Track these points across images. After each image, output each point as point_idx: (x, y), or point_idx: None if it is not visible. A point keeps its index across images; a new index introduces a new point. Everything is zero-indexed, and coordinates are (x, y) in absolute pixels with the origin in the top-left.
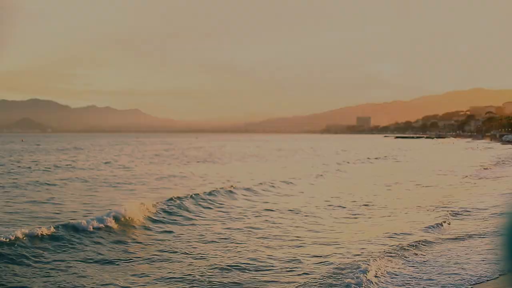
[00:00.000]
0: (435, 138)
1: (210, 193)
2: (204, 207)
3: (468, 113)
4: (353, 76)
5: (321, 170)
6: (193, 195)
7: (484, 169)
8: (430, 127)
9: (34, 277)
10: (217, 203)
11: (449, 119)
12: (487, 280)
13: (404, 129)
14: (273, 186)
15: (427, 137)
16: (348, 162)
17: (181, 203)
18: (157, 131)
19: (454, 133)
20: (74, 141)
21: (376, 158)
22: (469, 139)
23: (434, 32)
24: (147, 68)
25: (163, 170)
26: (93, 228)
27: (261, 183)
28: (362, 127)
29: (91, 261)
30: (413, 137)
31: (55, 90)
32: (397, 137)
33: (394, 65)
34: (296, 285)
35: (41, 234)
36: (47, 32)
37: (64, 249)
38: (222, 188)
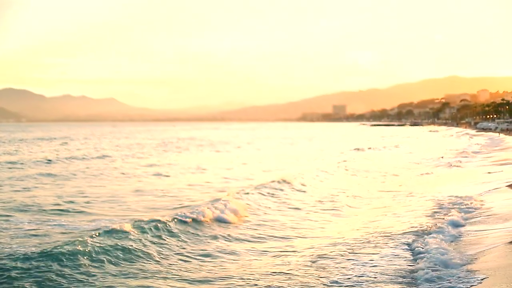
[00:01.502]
0: (409, 126)
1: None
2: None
3: (443, 100)
4: (329, 64)
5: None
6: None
7: (465, 156)
8: (406, 114)
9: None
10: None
11: (424, 107)
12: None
13: (380, 117)
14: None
15: (410, 125)
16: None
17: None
18: (133, 120)
19: (429, 121)
20: (67, 130)
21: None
22: (444, 127)
23: (410, 21)
24: (123, 56)
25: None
26: (210, 219)
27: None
28: (338, 115)
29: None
30: (393, 125)
31: (30, 79)
32: (373, 125)
33: (369, 53)
34: None
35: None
36: (21, 21)
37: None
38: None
